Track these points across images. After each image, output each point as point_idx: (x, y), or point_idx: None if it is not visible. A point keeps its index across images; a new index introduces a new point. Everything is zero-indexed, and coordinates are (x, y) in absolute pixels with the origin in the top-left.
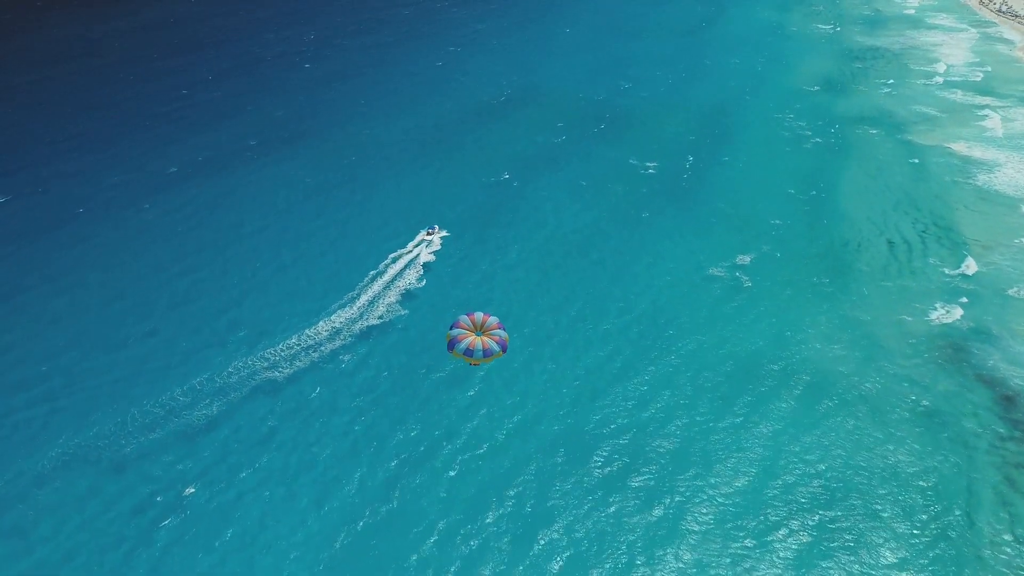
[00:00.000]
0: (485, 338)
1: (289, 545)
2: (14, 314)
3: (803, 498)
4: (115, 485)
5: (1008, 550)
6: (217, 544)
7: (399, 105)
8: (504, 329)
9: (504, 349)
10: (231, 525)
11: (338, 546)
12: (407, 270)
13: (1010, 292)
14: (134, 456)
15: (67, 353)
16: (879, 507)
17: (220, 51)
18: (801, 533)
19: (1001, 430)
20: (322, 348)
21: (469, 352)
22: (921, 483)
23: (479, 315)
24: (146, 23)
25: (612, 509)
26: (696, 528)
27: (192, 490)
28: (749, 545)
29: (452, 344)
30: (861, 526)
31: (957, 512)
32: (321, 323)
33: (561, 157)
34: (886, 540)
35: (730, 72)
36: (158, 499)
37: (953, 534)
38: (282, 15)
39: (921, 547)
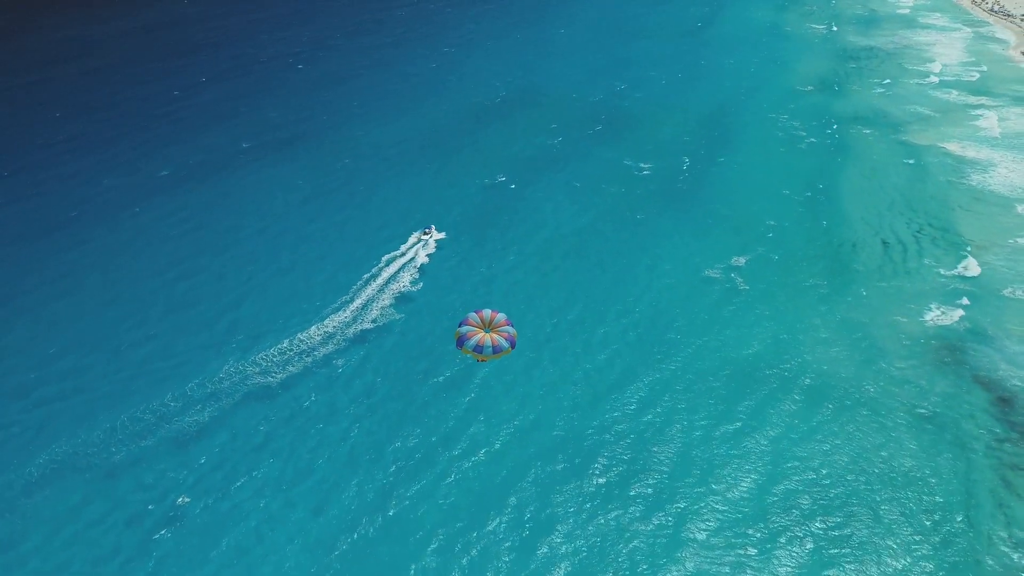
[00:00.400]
0: (494, 335)
1: (286, 555)
2: (11, 318)
3: (803, 504)
4: (108, 494)
5: (1007, 552)
6: (213, 555)
7: (396, 107)
8: (512, 326)
9: (513, 345)
10: (227, 535)
11: (336, 555)
12: (404, 273)
13: (1005, 292)
14: (127, 464)
15: (63, 358)
16: (880, 513)
17: (216, 53)
18: (802, 540)
19: (998, 432)
20: (316, 352)
21: (479, 349)
22: (920, 487)
23: (487, 312)
24: (143, 25)
25: (612, 516)
26: (697, 536)
27: (187, 499)
28: (751, 553)
29: (461, 341)
30: (862, 532)
31: (957, 517)
32: (318, 327)
33: (559, 159)
34: (888, 547)
35: (726, 73)
36: (153, 508)
37: (953, 539)
38: (278, 16)
39: (921, 553)
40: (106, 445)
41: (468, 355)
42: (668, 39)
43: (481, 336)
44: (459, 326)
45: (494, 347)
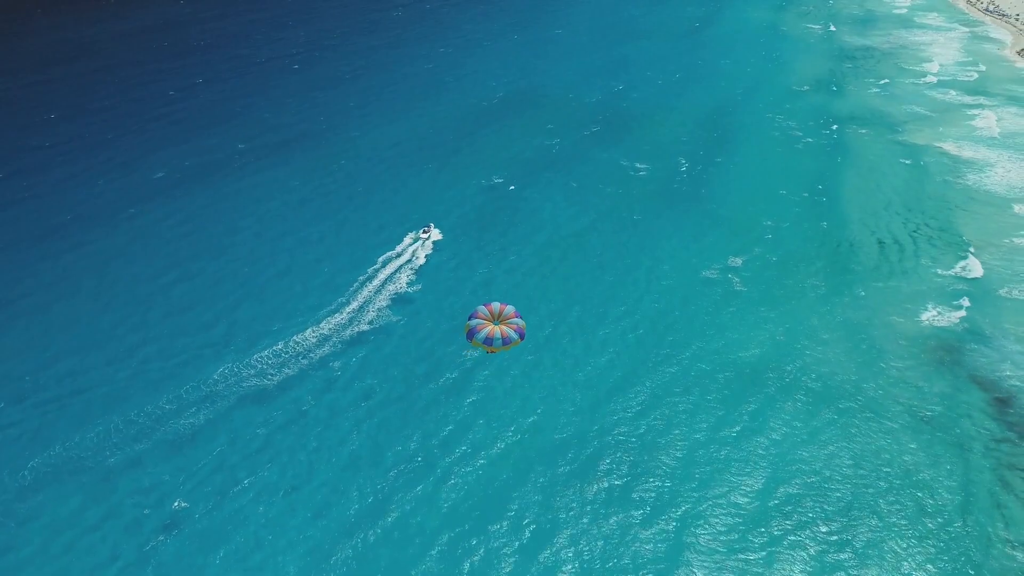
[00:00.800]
0: (503, 327)
1: (286, 560)
2: (8, 321)
3: (805, 507)
4: (106, 499)
5: (1006, 552)
6: (212, 561)
7: (393, 108)
8: (521, 317)
9: (522, 336)
10: (226, 541)
11: (336, 561)
12: (404, 275)
13: (1002, 292)
14: (123, 468)
15: (60, 362)
16: (881, 515)
17: (212, 54)
18: (805, 544)
19: (996, 432)
20: (312, 355)
21: (488, 341)
22: (920, 489)
23: (496, 305)
24: (139, 26)
25: (615, 520)
26: (700, 540)
27: (184, 504)
28: (754, 557)
29: (471, 334)
30: (864, 535)
31: (957, 518)
32: (316, 330)
33: (557, 160)
34: (889, 549)
35: (723, 73)
36: (150, 513)
37: (952, 540)
38: (272, 18)
39: (921, 555)
40: (102, 448)
41: (478, 347)
42: (666, 40)
43: (491, 329)
44: (469, 319)
45: (504, 339)
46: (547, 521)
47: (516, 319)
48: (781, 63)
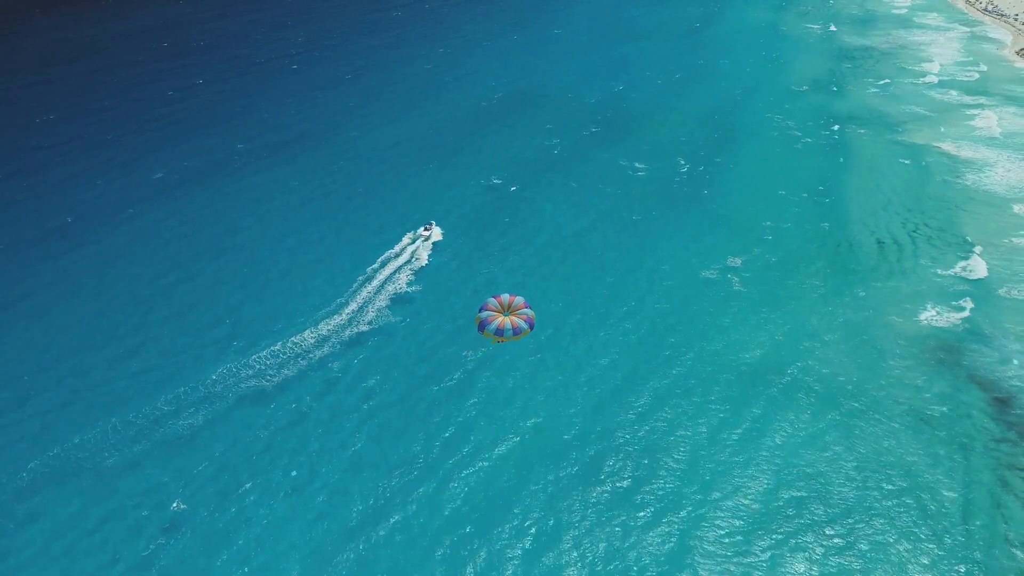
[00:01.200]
0: (513, 318)
1: (289, 562)
2: (8, 322)
3: (808, 509)
4: (106, 501)
5: (1006, 552)
6: (214, 563)
7: (393, 108)
8: (530, 308)
9: (531, 326)
10: (228, 544)
11: (338, 563)
12: (406, 276)
13: (1001, 292)
14: (123, 469)
15: (60, 363)
16: (883, 517)
17: (211, 55)
18: (808, 546)
19: (995, 432)
20: (312, 356)
21: (499, 332)
22: (922, 490)
23: (506, 296)
24: (138, 27)
25: (618, 523)
26: (704, 543)
27: (183, 505)
28: (757, 561)
29: (482, 325)
30: (866, 537)
31: (958, 518)
32: (316, 331)
33: (558, 160)
34: (893, 551)
35: (723, 73)
36: (151, 515)
37: (954, 541)
38: (272, 18)
39: (923, 556)
40: (102, 450)
41: (489, 338)
42: (666, 40)
43: (501, 320)
44: (479, 311)
45: (514, 329)
46: (550, 523)
47: (526, 309)
48: (781, 63)
